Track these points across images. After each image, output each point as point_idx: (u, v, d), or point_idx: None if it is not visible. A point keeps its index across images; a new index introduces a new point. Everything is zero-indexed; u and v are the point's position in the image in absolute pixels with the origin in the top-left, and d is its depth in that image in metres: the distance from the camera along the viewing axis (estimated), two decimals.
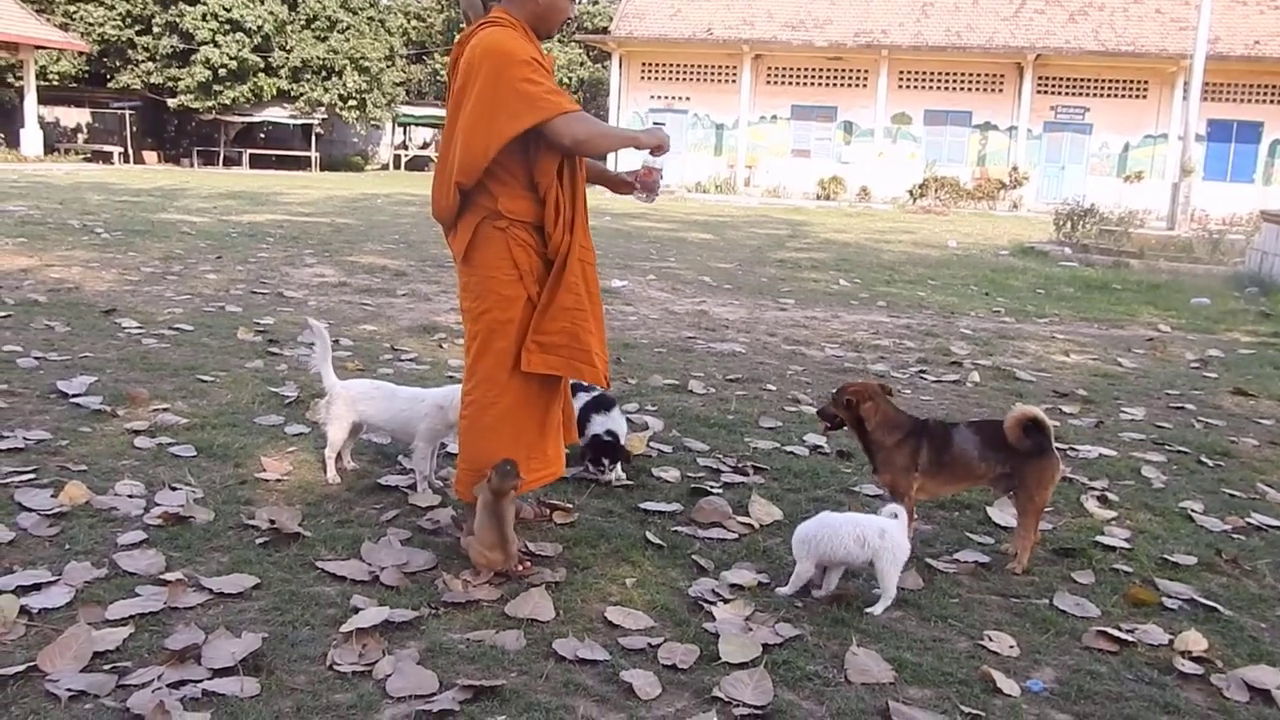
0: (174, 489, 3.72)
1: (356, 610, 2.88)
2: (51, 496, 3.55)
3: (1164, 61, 30.62)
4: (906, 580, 3.30)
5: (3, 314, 6.73)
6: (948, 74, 33.45)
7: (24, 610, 2.76)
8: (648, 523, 3.75)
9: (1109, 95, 32.42)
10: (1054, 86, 32.84)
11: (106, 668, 2.53)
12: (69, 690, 2.40)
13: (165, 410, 4.72)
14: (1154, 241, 15.39)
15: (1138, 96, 32.20)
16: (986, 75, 33.20)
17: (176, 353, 5.95)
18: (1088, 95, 32.62)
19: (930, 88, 33.70)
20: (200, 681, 2.48)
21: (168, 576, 3.02)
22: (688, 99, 35.79)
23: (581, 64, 44.37)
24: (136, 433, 4.36)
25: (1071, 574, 3.49)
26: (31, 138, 33.27)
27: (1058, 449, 3.59)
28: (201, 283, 8.63)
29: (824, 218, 24.29)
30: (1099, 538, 3.81)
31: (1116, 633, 3.03)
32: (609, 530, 3.63)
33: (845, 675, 2.72)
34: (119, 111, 39.15)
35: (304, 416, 4.62)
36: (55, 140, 38.32)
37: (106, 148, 37.88)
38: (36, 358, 5.56)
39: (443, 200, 3.25)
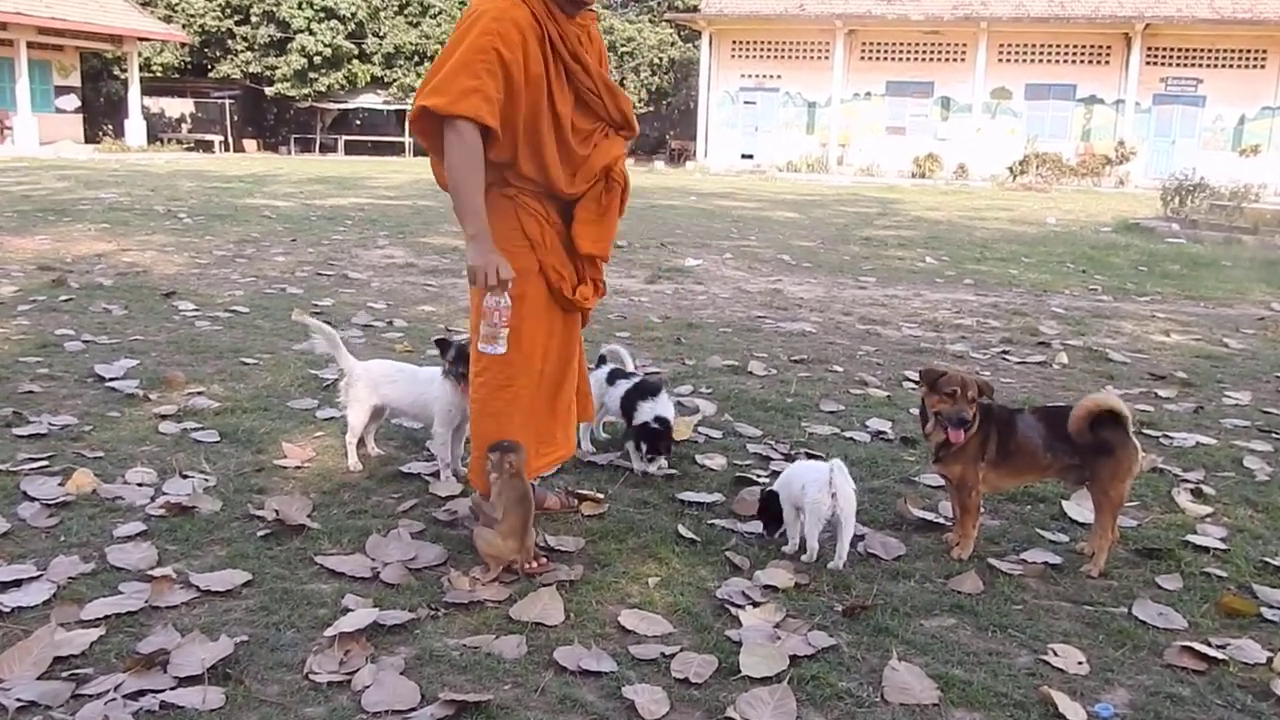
0: (185, 477, 3.55)
1: (346, 611, 2.65)
2: (58, 485, 3.40)
3: None
4: (964, 584, 2.95)
5: (65, 298, 6.71)
6: (1050, 46, 32.20)
7: None
8: (684, 515, 3.46)
9: (1223, 65, 30.85)
10: (1164, 57, 31.37)
11: (65, 674, 2.34)
12: (19, 700, 2.21)
13: (200, 394, 4.58)
14: (1270, 217, 14.47)
15: (1255, 66, 30.58)
16: (1092, 46, 31.88)
17: (227, 335, 5.84)
18: (1200, 66, 31.09)
19: (1032, 60, 32.50)
20: (161, 691, 2.27)
21: (156, 572, 2.83)
22: (779, 77, 35.13)
23: (672, 44, 43.95)
24: (163, 417, 4.22)
25: (1156, 578, 3.11)
26: (135, 128, 34.15)
27: (1148, 435, 3.17)
28: (269, 265, 8.57)
29: (917, 195, 23.58)
30: (1190, 537, 3.41)
31: (1205, 649, 2.64)
32: (640, 523, 3.36)
33: (882, 694, 2.40)
34: (219, 101, 40.00)
35: (335, 400, 4.42)
36: (160, 130, 39.37)
37: (208, 137, 38.78)
38: (85, 341, 5.50)
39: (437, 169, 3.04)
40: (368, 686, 2.32)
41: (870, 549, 3.21)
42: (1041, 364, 5.97)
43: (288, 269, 8.40)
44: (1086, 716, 2.34)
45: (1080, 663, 2.58)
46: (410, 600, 2.77)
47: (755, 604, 2.82)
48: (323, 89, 38.60)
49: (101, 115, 36.37)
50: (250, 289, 7.39)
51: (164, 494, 3.39)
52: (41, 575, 2.79)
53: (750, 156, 34.83)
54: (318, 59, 37.49)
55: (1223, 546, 3.34)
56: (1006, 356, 6.13)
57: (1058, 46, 32.01)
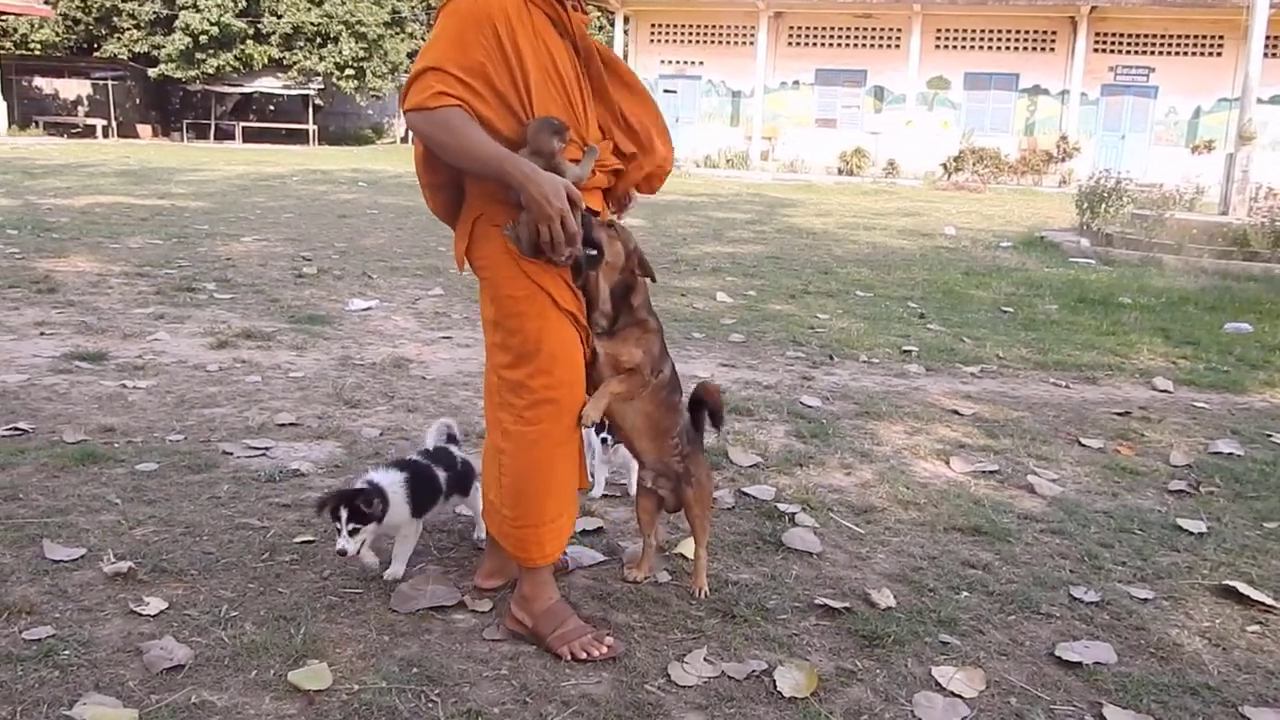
0: None
1: None
2: None
3: (1240, 13, 26.34)
4: None
5: None
6: (990, 31, 29.50)
7: None
8: None
9: (1177, 53, 28.21)
10: (1113, 44, 28.72)
11: None
12: None
13: None
14: (1197, 230, 11.74)
15: (1211, 54, 27.95)
16: (1035, 32, 29.19)
17: None
18: (1152, 53, 28.44)
19: (971, 47, 29.80)
20: None
21: None
22: (701, 64, 32.33)
23: (600, 28, 41.00)
24: None
25: None
26: None
27: None
28: None
29: (826, 196, 20.83)
30: None
31: None
32: None
33: None
34: (103, 82, 36.86)
35: None
36: (52, 113, 36.26)
37: (92, 121, 35.70)
38: None
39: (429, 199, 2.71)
40: None
41: None
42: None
43: None
44: None
45: None
46: None
47: None
48: (212, 71, 35.46)
49: None
50: None
51: None
52: None
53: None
54: (204, 38, 34.37)
55: None
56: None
57: (998, 32, 29.35)
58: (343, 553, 2.68)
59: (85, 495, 3.38)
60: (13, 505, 3.26)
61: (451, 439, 3.20)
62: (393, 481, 2.79)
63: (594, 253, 2.55)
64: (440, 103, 2.40)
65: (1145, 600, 3.04)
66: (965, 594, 3.01)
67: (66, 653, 2.43)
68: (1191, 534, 3.55)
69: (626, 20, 32.44)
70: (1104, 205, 13.03)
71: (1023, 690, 2.52)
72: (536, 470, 2.59)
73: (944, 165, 27.59)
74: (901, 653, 2.66)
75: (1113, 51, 28.66)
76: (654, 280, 2.72)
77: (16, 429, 4.00)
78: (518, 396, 2.57)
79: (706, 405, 2.98)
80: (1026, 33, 29.15)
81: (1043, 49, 29.16)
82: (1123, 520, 3.66)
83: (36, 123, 34.37)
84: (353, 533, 2.67)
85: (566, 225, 2.41)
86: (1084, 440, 4.66)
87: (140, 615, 2.63)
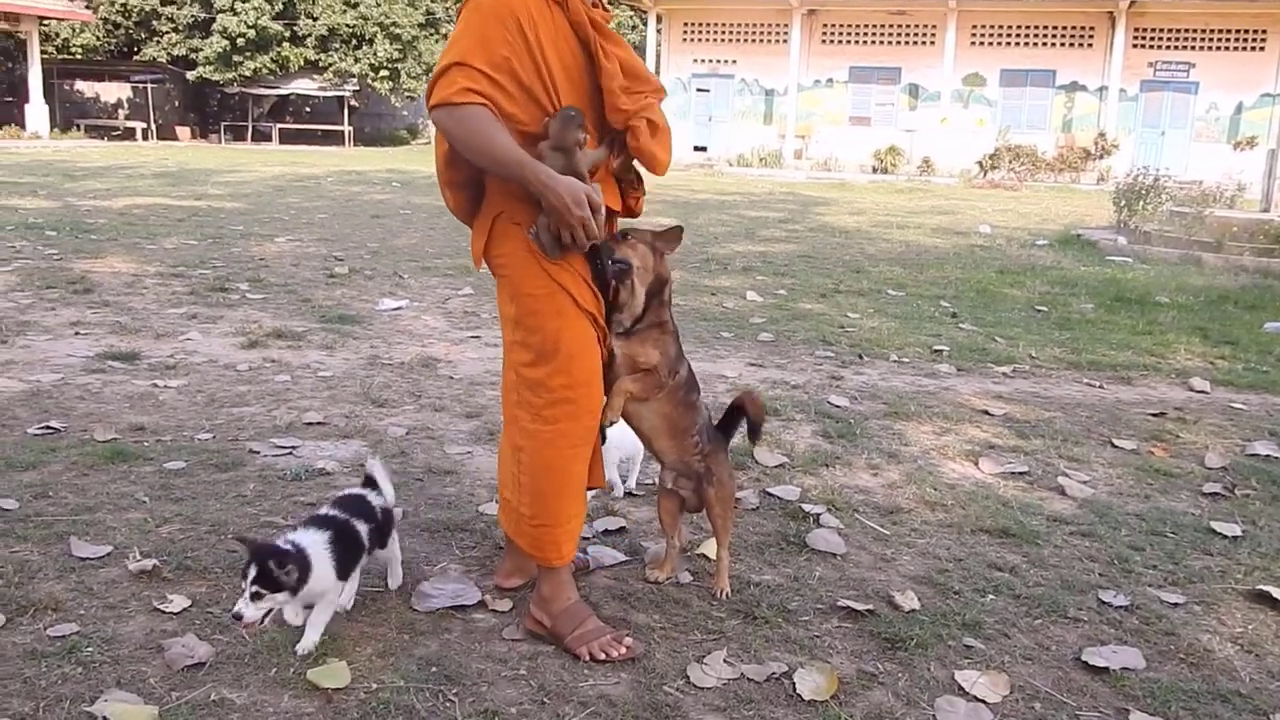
0: None
1: None
2: None
3: None
4: None
5: None
6: (1027, 28, 29.20)
7: None
8: None
9: (1218, 48, 27.79)
10: (1152, 39, 28.34)
11: None
12: None
13: None
14: (1238, 228, 11.56)
15: (1253, 49, 27.51)
16: (1073, 28, 28.86)
17: None
18: (1193, 48, 28.04)
19: (1007, 44, 29.51)
20: None
21: None
22: (734, 62, 32.23)
23: (634, 27, 41.00)
24: None
25: None
26: (37, 114, 31.43)
27: None
28: None
29: (859, 194, 20.71)
30: None
31: None
32: None
33: None
34: (143, 85, 37.31)
35: None
36: (94, 116, 36.75)
37: (132, 123, 36.15)
38: None
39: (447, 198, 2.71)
40: None
41: None
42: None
43: None
44: None
45: None
46: None
47: None
48: (249, 73, 35.79)
49: (19, 101, 33.57)
50: None
51: None
52: None
53: (703, 149, 31.94)
54: (241, 41, 34.69)
55: None
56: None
57: (1035, 28, 29.04)
58: (238, 617, 2.29)
59: (114, 493, 3.41)
60: (42, 503, 3.30)
61: (371, 483, 2.78)
62: (316, 543, 2.43)
63: (624, 265, 2.59)
64: (466, 99, 2.39)
65: (1176, 605, 2.98)
66: (991, 597, 2.98)
67: (89, 649, 2.45)
68: (1226, 537, 3.49)
69: (659, 19, 32.42)
70: (1142, 203, 12.85)
71: (1048, 695, 2.48)
72: (554, 469, 2.59)
73: (979, 163, 27.34)
74: (924, 656, 2.63)
75: (1152, 47, 28.29)
76: (681, 233, 2.73)
77: (49, 427, 4.05)
78: (536, 395, 2.56)
79: (746, 415, 2.95)
80: (1064, 28, 28.83)
81: (1080, 45, 28.83)
82: (1155, 523, 3.60)
83: (78, 125, 34.82)
84: (256, 597, 2.29)
85: (588, 231, 2.42)
86: (1117, 441, 4.59)
87: (163, 613, 2.64)
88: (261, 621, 2.32)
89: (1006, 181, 25.43)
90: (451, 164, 2.62)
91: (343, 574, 2.51)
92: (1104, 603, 2.97)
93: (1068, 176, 27.42)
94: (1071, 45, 28.88)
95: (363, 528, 2.61)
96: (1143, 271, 10.28)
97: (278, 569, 2.29)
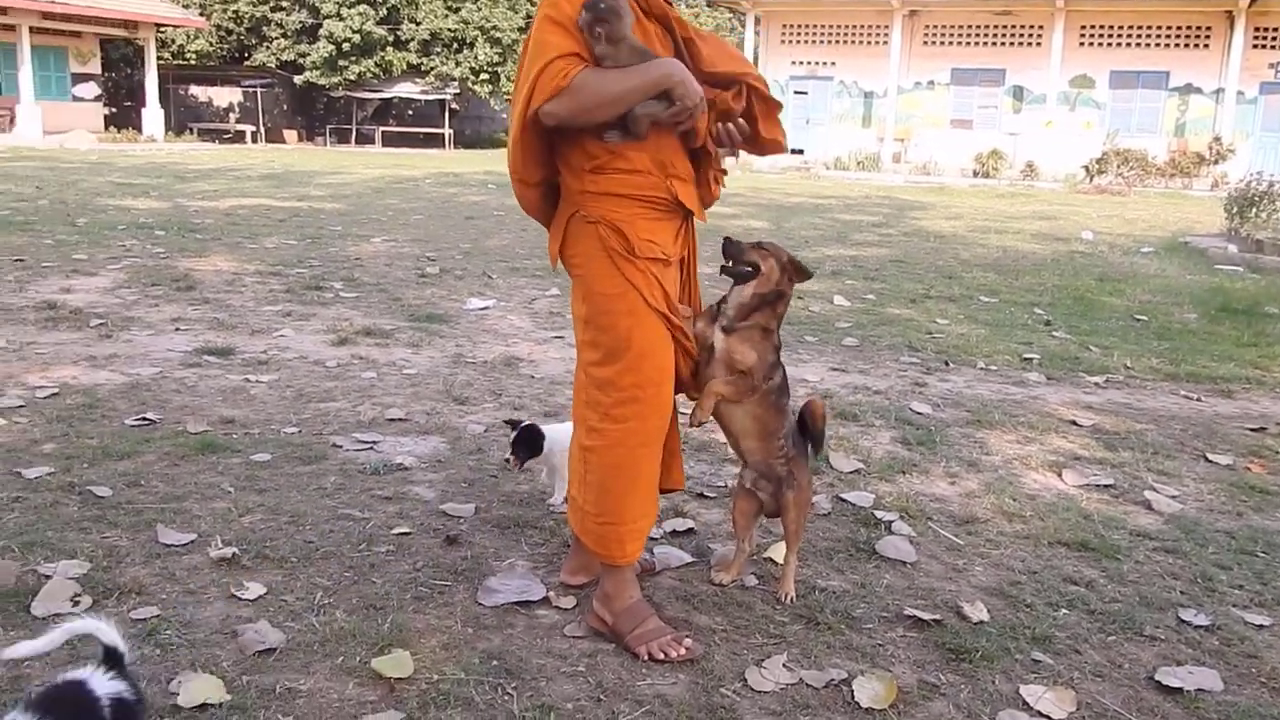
0: None
1: None
2: None
3: None
4: None
5: None
6: (1139, 28, 28.37)
7: None
8: None
9: None
10: (1273, 39, 27.30)
11: None
12: None
13: None
14: None
15: None
16: (1188, 28, 27.96)
17: None
18: None
19: (1118, 44, 28.72)
20: None
21: None
22: (833, 64, 31.97)
23: (731, 29, 40.93)
24: None
25: None
26: (153, 117, 32.71)
27: None
28: None
29: (958, 199, 20.36)
30: None
31: None
32: None
33: None
34: (252, 89, 38.51)
35: None
36: (207, 119, 38.08)
37: (241, 127, 37.36)
38: None
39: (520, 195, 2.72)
40: None
41: None
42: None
43: None
44: None
45: None
46: None
47: None
48: (353, 77, 36.69)
49: (137, 105, 34.97)
50: None
51: None
52: None
53: (800, 152, 31.69)
54: (346, 46, 35.59)
55: None
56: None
57: (1148, 28, 28.20)
58: None
59: (202, 483, 3.54)
60: (134, 491, 3.43)
61: (110, 660, 1.81)
62: None
63: (749, 269, 2.65)
64: (568, 73, 2.40)
65: (1261, 626, 2.88)
66: (1064, 611, 2.91)
67: (168, 632, 2.55)
68: None
69: (758, 21, 32.31)
70: (1255, 209, 12.38)
71: (1116, 714, 2.42)
72: (622, 468, 2.60)
73: (1086, 167, 26.63)
74: (990, 669, 2.58)
75: (1273, 47, 27.26)
76: (811, 276, 2.74)
77: (145, 419, 4.21)
78: (605, 394, 2.58)
79: (806, 427, 2.93)
80: (1178, 29, 27.95)
81: (1196, 45, 27.91)
82: (1245, 541, 3.48)
83: (191, 129, 36.10)
84: None
85: (698, 112, 2.49)
86: (1211, 456, 4.44)
87: (240, 599, 2.73)
88: None
89: (1114, 187, 24.74)
90: (528, 163, 2.63)
91: None
92: (1183, 621, 2.88)
93: (1179, 182, 26.56)
94: (1187, 46, 27.98)
95: None
96: (1253, 281, 9.92)
97: None
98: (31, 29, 28.93)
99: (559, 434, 3.23)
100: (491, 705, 2.32)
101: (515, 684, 2.41)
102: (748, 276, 2.65)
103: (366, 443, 4.05)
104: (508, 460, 3.38)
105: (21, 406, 4.30)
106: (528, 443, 3.29)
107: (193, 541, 3.06)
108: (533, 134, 2.54)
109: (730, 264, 2.68)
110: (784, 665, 2.54)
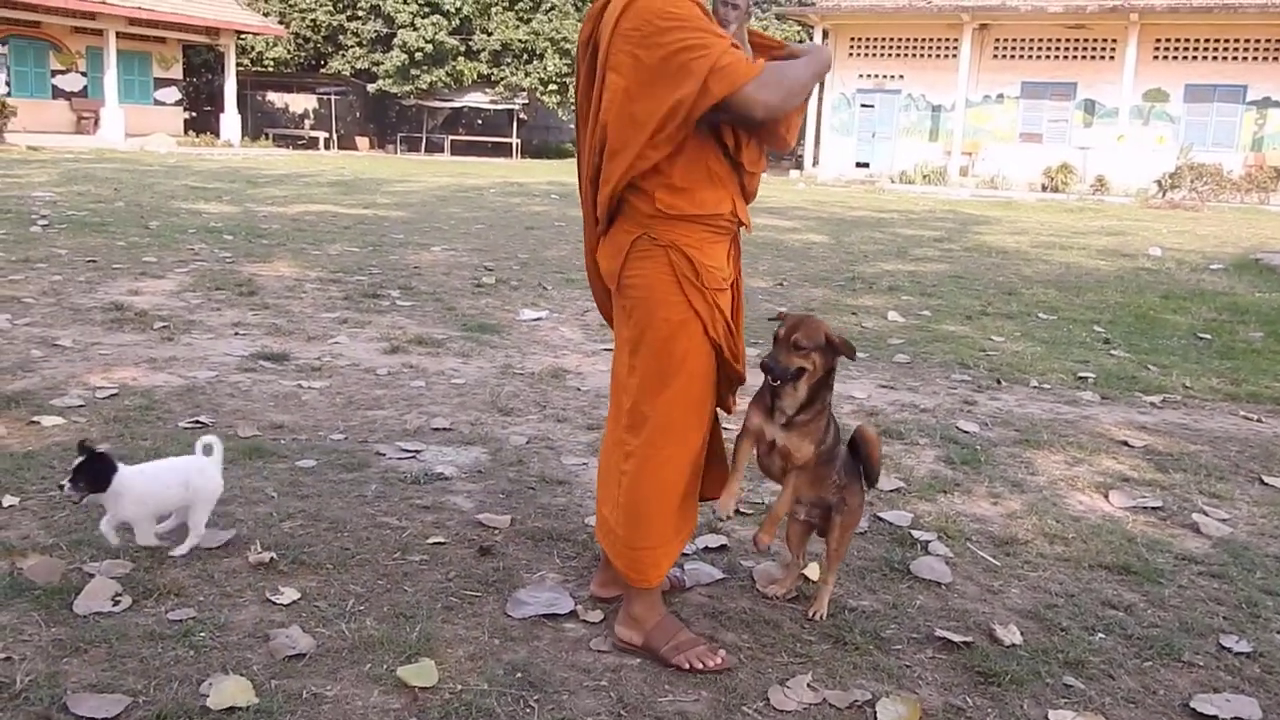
0: None
1: None
2: None
3: None
4: None
5: None
6: (1216, 41, 27.79)
7: None
8: None
9: None
10: None
11: None
12: None
13: None
14: None
15: None
16: (1267, 41, 27.32)
17: None
18: None
19: (1193, 58, 28.14)
20: None
21: None
22: (901, 77, 31.73)
23: (800, 43, 40.79)
24: None
25: None
26: (230, 123, 33.46)
27: None
28: None
29: (1024, 214, 20.07)
30: None
31: None
32: None
33: None
34: (327, 97, 39.25)
35: None
36: (283, 125, 38.90)
37: (315, 133, 38.08)
38: None
39: (588, 211, 2.67)
40: None
41: None
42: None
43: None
44: None
45: None
46: None
47: None
48: (425, 86, 37.22)
49: (216, 110, 35.80)
50: None
51: None
52: None
53: (866, 165, 31.52)
54: (419, 55, 36.12)
55: None
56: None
57: (1224, 41, 27.59)
58: None
59: (247, 487, 3.61)
60: None
61: None
62: None
63: (797, 372, 2.58)
64: (755, 64, 2.34)
65: None
66: (1100, 635, 2.86)
67: (202, 634, 2.61)
68: None
69: (825, 34, 32.17)
70: None
71: None
72: (659, 493, 2.59)
73: (1158, 182, 26.10)
74: (1019, 693, 2.54)
75: None
76: (853, 358, 2.64)
77: (198, 422, 4.31)
78: (648, 418, 2.57)
79: (860, 458, 2.90)
80: (1256, 41, 27.32)
81: (1275, 58, 27.24)
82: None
83: (267, 134, 36.87)
84: None
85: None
86: (1267, 479, 4.34)
87: (274, 604, 2.79)
88: None
89: (1187, 202, 24.22)
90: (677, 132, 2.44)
91: None
92: (1224, 648, 2.82)
93: (1255, 197, 25.92)
94: (1264, 59, 27.33)
95: None
96: None
97: None
98: (118, 34, 29.82)
99: (136, 477, 2.91)
100: (513, 717, 2.34)
101: (538, 696, 2.43)
102: (796, 378, 2.59)
103: (410, 451, 4.11)
104: (62, 487, 2.85)
105: (81, 406, 4.43)
106: (91, 474, 2.83)
107: (231, 543, 3.12)
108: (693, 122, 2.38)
109: (777, 382, 2.60)
110: (808, 685, 2.53)
